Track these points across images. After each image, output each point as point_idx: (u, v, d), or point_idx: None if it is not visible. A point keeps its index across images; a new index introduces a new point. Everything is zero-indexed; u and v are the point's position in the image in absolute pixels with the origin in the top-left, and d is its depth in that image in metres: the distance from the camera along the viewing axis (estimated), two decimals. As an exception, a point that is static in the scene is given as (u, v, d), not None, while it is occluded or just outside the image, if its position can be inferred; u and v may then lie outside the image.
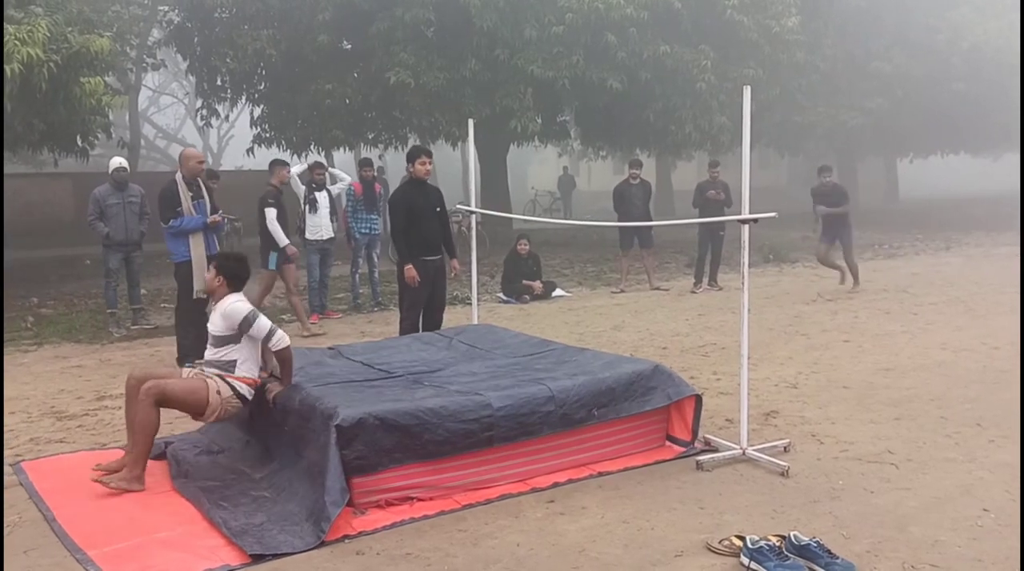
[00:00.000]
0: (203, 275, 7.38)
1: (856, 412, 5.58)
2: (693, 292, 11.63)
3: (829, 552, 3.37)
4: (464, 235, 12.63)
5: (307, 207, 9.84)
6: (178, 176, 7.39)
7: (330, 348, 5.91)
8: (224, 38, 16.38)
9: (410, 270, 6.93)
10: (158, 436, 4.98)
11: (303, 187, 9.97)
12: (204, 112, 18.76)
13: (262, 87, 18.28)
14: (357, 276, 10.81)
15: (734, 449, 4.71)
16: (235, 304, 4.75)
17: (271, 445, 4.71)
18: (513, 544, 3.70)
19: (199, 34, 17.29)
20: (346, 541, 3.75)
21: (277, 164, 9.32)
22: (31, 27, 9.54)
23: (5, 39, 9.26)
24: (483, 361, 5.33)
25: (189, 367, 6.15)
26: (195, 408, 4.65)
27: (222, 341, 4.77)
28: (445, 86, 15.58)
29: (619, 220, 11.79)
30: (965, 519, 3.81)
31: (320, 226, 9.84)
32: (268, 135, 18.12)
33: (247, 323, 4.67)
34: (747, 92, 4.71)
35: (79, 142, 12.90)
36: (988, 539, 3.61)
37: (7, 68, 9.24)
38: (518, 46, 15.40)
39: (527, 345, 5.76)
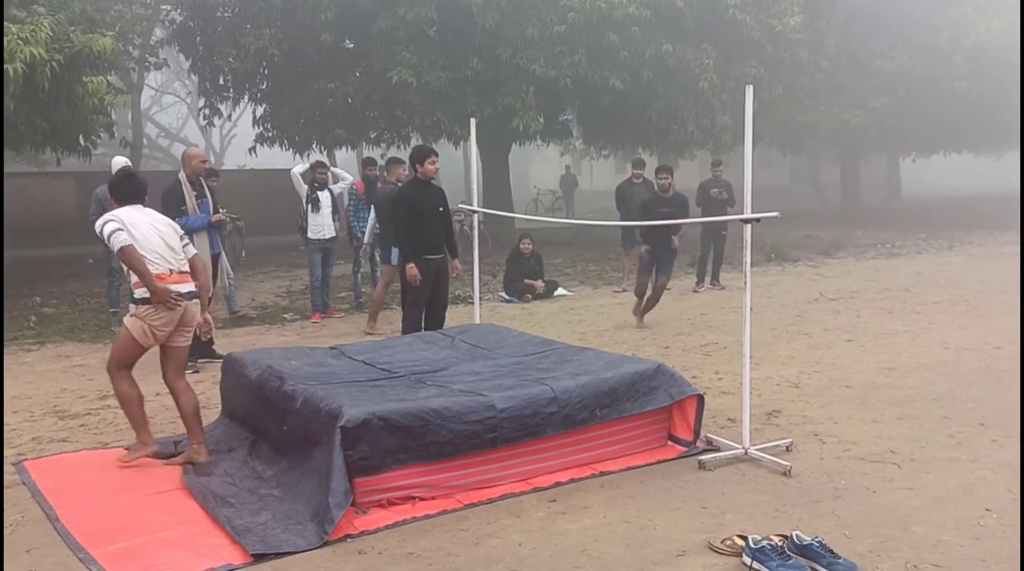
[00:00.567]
0: (207, 274, 7.41)
1: (858, 411, 5.58)
2: (695, 291, 11.62)
3: (831, 552, 3.37)
4: (466, 234, 12.62)
5: (309, 206, 9.85)
6: (181, 175, 7.41)
7: (332, 347, 5.90)
8: (227, 37, 16.40)
9: (412, 268, 6.95)
10: (168, 436, 5.02)
11: (305, 186, 9.98)
12: (207, 111, 18.77)
13: (264, 86, 18.29)
14: (359, 275, 10.82)
15: (736, 449, 4.70)
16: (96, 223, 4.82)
17: (279, 444, 4.71)
18: (515, 543, 3.70)
19: (202, 33, 17.30)
20: (348, 540, 3.75)
21: (393, 162, 9.34)
22: (34, 26, 9.55)
23: (8, 39, 9.27)
24: (485, 360, 5.33)
25: (191, 368, 6.21)
26: (136, 347, 4.74)
27: None
28: (447, 85, 15.58)
29: (621, 219, 11.80)
30: (968, 519, 3.81)
31: (322, 225, 9.85)
32: (270, 134, 18.13)
33: (102, 235, 4.73)
34: (749, 91, 4.70)
35: (82, 141, 12.89)
36: (991, 539, 3.61)
37: (10, 68, 9.25)
38: (520, 45, 15.39)
39: (529, 344, 5.76)
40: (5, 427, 5.70)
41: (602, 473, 4.50)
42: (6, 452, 5.18)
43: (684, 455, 4.73)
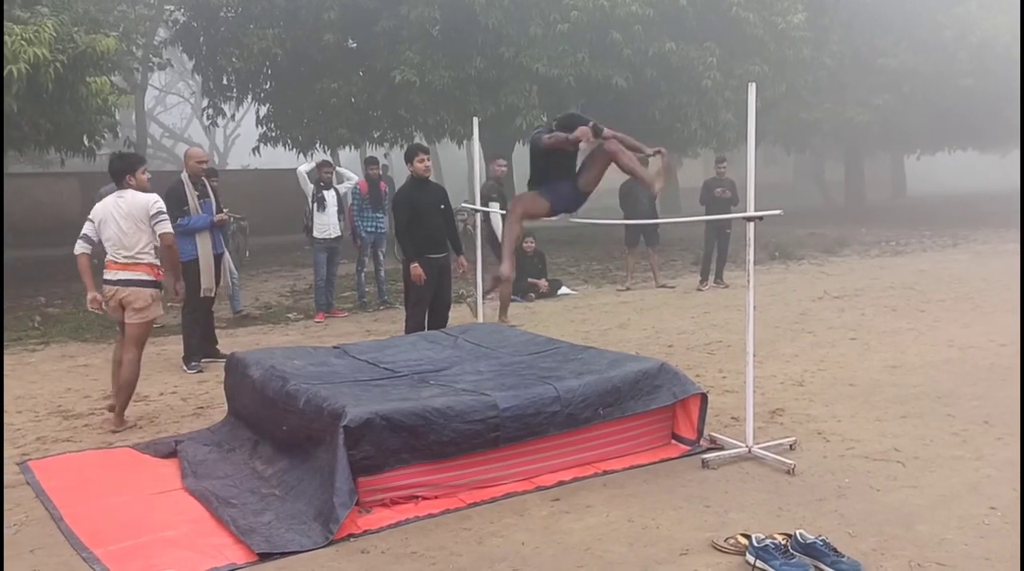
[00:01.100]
0: (210, 274, 7.43)
1: (862, 410, 5.57)
2: (699, 290, 11.61)
3: (835, 550, 3.36)
4: (469, 233, 12.62)
5: (315, 205, 9.87)
6: (184, 175, 7.43)
7: (335, 347, 5.91)
8: (230, 37, 16.41)
9: (416, 268, 6.95)
10: (168, 435, 5.02)
11: (311, 185, 9.99)
12: (210, 111, 18.81)
13: (268, 86, 18.31)
14: (363, 275, 10.83)
15: (740, 447, 4.70)
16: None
17: (281, 443, 4.71)
18: (518, 543, 3.70)
19: (205, 33, 17.32)
20: (351, 539, 3.75)
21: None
22: (37, 27, 9.57)
23: (12, 39, 9.29)
24: (489, 360, 5.32)
25: (195, 367, 6.30)
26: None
27: None
28: (450, 84, 15.58)
29: (625, 218, 11.79)
30: (972, 517, 3.80)
31: (328, 225, 9.86)
32: (274, 134, 18.14)
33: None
34: (752, 89, 4.69)
35: (85, 142, 12.92)
36: (995, 537, 3.60)
37: (14, 68, 9.26)
38: (523, 44, 15.39)
39: (532, 343, 5.75)
40: (10, 427, 5.72)
41: (605, 472, 4.49)
42: (11, 452, 5.19)
43: (687, 454, 4.72)
